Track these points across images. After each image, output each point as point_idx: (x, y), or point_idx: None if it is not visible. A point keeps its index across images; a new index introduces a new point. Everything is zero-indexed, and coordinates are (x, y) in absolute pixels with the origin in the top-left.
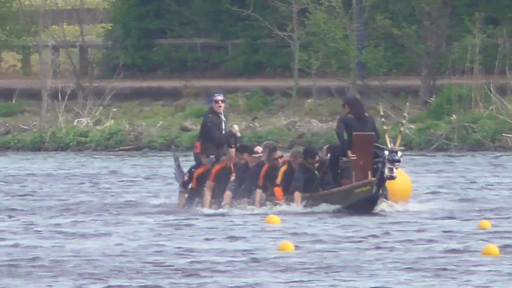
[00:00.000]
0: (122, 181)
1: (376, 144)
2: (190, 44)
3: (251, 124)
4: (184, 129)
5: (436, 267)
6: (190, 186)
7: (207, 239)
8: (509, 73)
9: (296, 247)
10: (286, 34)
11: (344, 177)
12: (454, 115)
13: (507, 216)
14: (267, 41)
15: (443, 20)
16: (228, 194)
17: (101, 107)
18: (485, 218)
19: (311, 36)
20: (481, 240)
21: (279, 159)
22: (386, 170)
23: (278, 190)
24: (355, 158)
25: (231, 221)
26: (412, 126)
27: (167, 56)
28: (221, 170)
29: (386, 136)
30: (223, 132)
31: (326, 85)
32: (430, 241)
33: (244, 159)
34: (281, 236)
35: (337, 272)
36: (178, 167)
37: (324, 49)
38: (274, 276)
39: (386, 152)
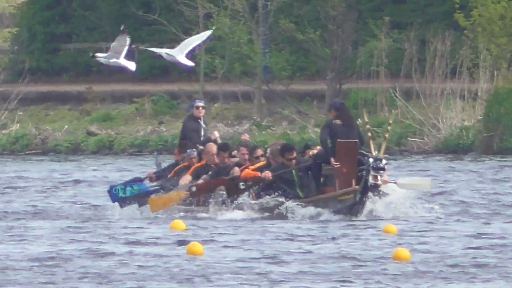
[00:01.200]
0: (27, 186)
1: (361, 151)
2: (96, 49)
3: (157, 128)
4: (90, 134)
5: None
6: (166, 177)
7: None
8: (414, 77)
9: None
10: None
11: (327, 184)
12: (359, 119)
13: (413, 220)
14: (173, 45)
15: (349, 24)
16: (204, 177)
17: (6, 111)
18: (392, 223)
19: (216, 40)
20: (390, 244)
21: (261, 157)
22: (370, 178)
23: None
24: (339, 165)
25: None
26: (318, 130)
27: (72, 60)
28: (201, 168)
29: (371, 144)
30: (202, 138)
31: (232, 89)
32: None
33: (226, 157)
34: (191, 239)
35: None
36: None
37: (229, 54)
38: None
39: (371, 160)
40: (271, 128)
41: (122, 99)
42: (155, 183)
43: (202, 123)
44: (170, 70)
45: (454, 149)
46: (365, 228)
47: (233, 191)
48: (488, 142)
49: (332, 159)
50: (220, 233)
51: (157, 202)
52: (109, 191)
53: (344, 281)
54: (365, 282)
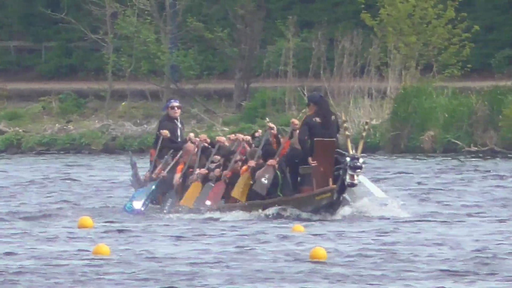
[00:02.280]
0: None
1: (338, 150)
2: (3, 47)
3: (65, 127)
4: None
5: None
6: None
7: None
8: (323, 76)
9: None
10: (99, 37)
11: (304, 183)
12: (267, 118)
13: (319, 219)
14: (81, 44)
15: (257, 24)
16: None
17: None
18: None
19: (123, 39)
20: (306, 243)
21: (239, 162)
22: (347, 177)
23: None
24: (316, 164)
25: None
26: (226, 129)
27: None
28: (187, 168)
29: (348, 142)
30: (179, 138)
31: (140, 88)
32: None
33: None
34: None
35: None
36: (136, 174)
37: (136, 53)
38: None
39: (348, 159)
40: None
41: (30, 97)
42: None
43: (178, 123)
44: (77, 69)
45: (363, 147)
46: (274, 227)
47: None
48: (396, 140)
49: (310, 158)
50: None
51: (187, 196)
52: (126, 211)
53: (256, 280)
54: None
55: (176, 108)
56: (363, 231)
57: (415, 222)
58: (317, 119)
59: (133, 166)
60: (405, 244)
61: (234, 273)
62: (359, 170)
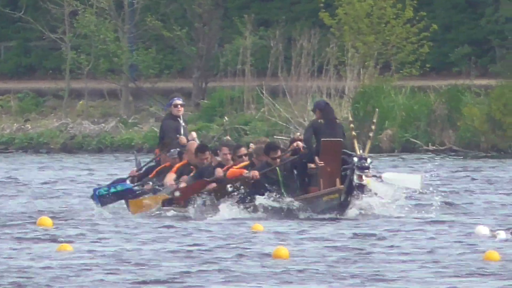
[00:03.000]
0: None
1: (345, 151)
2: None
3: (23, 126)
4: None
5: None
6: (146, 178)
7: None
8: (280, 75)
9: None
10: (58, 36)
11: (311, 184)
12: (226, 117)
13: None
14: (39, 43)
15: (215, 22)
16: (184, 178)
17: None
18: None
19: (82, 38)
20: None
21: (244, 157)
22: (355, 178)
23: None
24: (323, 164)
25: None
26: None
27: None
28: (183, 167)
29: (355, 142)
30: (182, 136)
31: (98, 87)
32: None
33: (206, 158)
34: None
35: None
36: (139, 170)
37: (95, 51)
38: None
39: (355, 159)
40: (138, 125)
41: None
42: (137, 183)
43: (181, 121)
44: (36, 68)
45: None
46: (235, 225)
47: (221, 194)
48: (356, 139)
49: (316, 158)
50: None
51: (138, 204)
52: (93, 195)
53: (216, 280)
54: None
55: (179, 106)
56: (324, 231)
57: (386, 223)
58: (322, 121)
59: (138, 165)
60: (373, 244)
61: (192, 272)
62: (367, 171)
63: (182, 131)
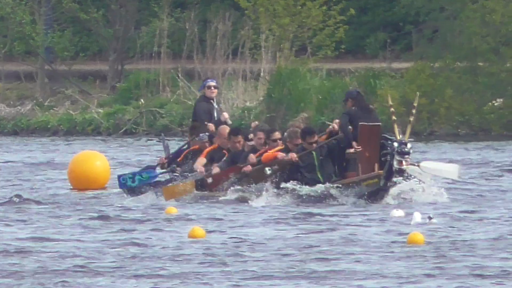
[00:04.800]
0: None
1: (384, 135)
2: None
3: None
4: None
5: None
6: (174, 163)
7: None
8: (196, 58)
9: None
10: None
11: (349, 169)
12: (142, 100)
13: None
14: None
15: (132, 4)
16: (215, 168)
17: None
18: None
19: None
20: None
21: (278, 141)
22: (395, 163)
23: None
24: (361, 149)
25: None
26: (100, 111)
27: None
28: (214, 151)
29: (395, 127)
30: (215, 119)
31: (14, 69)
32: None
33: (239, 142)
34: None
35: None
36: (168, 154)
37: (11, 33)
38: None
39: (396, 144)
40: (54, 108)
41: None
42: (166, 169)
43: (214, 104)
44: None
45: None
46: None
47: (260, 178)
48: (271, 123)
49: (354, 143)
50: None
51: (171, 191)
52: (118, 179)
53: (134, 262)
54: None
55: (213, 88)
56: (238, 213)
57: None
58: (355, 109)
59: (166, 148)
60: (288, 230)
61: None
62: (407, 156)
63: (215, 114)
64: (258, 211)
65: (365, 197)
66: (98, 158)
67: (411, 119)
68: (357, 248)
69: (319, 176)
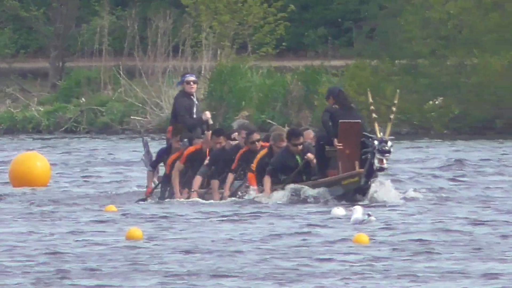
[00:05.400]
0: None
1: (365, 133)
2: None
3: None
4: None
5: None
6: (163, 173)
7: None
8: (137, 56)
9: None
10: None
11: (330, 167)
12: (83, 98)
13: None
14: None
15: (72, 2)
16: (198, 179)
17: None
18: (112, 203)
19: None
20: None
21: (257, 143)
22: (375, 161)
23: (251, 176)
24: (342, 147)
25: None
26: (41, 109)
27: None
28: (194, 153)
29: (376, 125)
30: (194, 115)
31: None
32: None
33: (220, 143)
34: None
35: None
36: (148, 153)
37: None
38: None
39: (376, 142)
40: None
41: None
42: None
43: (194, 99)
44: None
45: None
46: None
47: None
48: (212, 120)
49: (335, 140)
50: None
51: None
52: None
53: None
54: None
55: (192, 83)
56: (186, 214)
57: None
58: (336, 106)
59: (145, 145)
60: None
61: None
62: (387, 154)
63: (194, 109)
64: (209, 212)
65: (345, 196)
66: (38, 159)
67: (391, 117)
68: (315, 248)
69: (303, 178)
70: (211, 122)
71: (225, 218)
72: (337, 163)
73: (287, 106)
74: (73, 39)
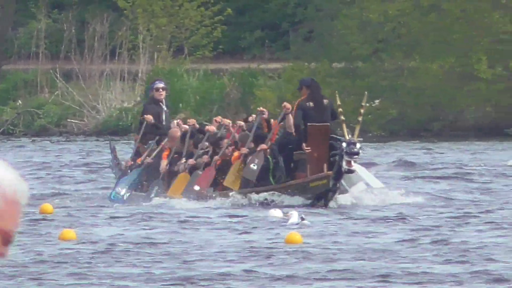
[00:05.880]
0: None
1: (333, 135)
2: None
3: None
4: None
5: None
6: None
7: None
8: (73, 59)
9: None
10: None
11: (298, 170)
12: (19, 101)
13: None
14: None
15: (9, 5)
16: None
17: None
18: (48, 202)
19: None
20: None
21: (229, 148)
22: (343, 163)
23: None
24: (310, 150)
25: None
26: None
27: None
28: (170, 154)
29: (344, 127)
30: (164, 122)
31: None
32: None
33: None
34: None
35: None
36: (115, 158)
37: None
38: None
39: (344, 144)
40: None
41: None
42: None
43: (163, 106)
44: None
45: (114, 130)
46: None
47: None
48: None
49: (304, 144)
50: None
51: (176, 189)
52: (112, 200)
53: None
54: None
55: (161, 90)
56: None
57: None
58: (311, 104)
59: (112, 150)
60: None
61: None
62: (356, 156)
63: (163, 116)
64: (151, 213)
65: (313, 198)
66: None
67: (360, 119)
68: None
69: (271, 179)
70: (182, 127)
71: (156, 218)
72: (305, 166)
73: (224, 109)
74: (10, 42)
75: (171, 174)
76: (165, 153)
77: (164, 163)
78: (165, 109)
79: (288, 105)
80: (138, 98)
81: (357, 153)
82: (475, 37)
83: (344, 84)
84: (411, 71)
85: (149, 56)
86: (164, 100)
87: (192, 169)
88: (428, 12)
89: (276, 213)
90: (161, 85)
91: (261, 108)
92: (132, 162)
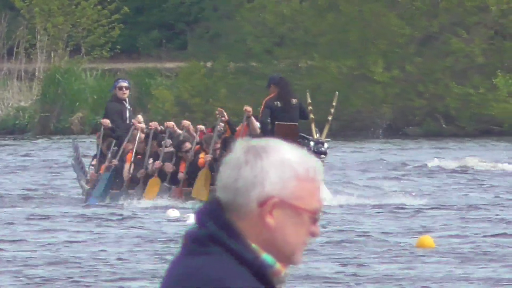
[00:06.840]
0: None
1: (301, 134)
2: None
3: None
4: None
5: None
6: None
7: None
8: None
9: None
10: None
11: None
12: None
13: None
14: None
15: None
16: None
17: None
18: None
19: None
20: None
21: (189, 152)
22: None
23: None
24: None
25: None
26: None
27: None
28: (135, 155)
29: (313, 126)
30: (127, 121)
31: None
32: None
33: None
34: None
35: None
36: (78, 157)
37: None
38: None
39: (312, 143)
40: None
41: None
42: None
43: (127, 105)
44: None
45: (11, 129)
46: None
47: None
48: (45, 122)
49: None
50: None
51: (149, 191)
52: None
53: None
54: None
55: (124, 89)
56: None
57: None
58: (278, 103)
59: (76, 149)
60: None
61: None
62: (323, 156)
63: (127, 115)
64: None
65: None
66: None
67: (329, 118)
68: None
69: None
70: (143, 125)
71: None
72: None
73: None
74: None
75: (134, 177)
76: (129, 156)
77: (127, 167)
78: (129, 107)
79: (249, 108)
80: (35, 97)
81: (325, 153)
82: (372, 39)
83: (240, 82)
84: (308, 70)
85: (46, 55)
86: (127, 99)
87: (160, 172)
88: (325, 12)
89: (174, 213)
90: (124, 84)
91: (220, 109)
92: (97, 174)
